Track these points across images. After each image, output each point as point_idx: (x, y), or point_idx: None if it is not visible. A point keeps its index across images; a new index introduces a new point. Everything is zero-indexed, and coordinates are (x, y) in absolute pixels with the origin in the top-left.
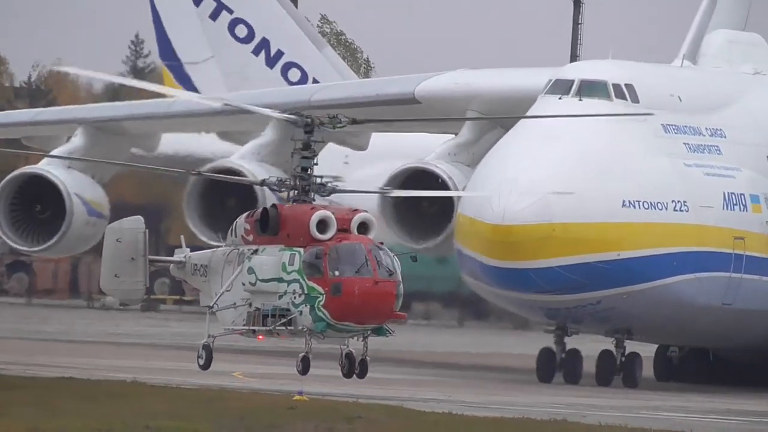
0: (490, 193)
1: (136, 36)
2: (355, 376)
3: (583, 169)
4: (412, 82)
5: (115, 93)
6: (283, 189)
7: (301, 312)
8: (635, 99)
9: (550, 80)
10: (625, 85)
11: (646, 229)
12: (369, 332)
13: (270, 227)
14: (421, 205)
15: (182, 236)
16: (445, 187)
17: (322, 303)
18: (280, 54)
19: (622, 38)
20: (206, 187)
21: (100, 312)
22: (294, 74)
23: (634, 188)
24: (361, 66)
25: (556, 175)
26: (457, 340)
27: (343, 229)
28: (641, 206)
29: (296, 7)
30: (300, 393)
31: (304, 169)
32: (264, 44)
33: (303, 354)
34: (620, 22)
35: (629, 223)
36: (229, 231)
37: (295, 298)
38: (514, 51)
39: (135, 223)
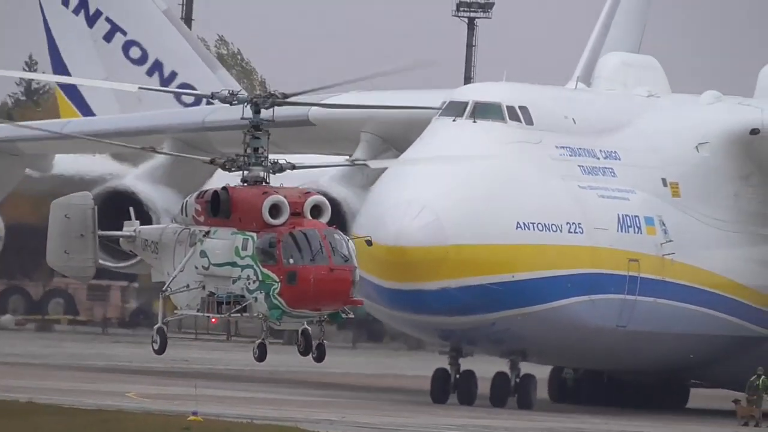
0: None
1: (30, 57)
2: (312, 358)
3: (478, 191)
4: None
5: (8, 114)
6: (233, 168)
7: (256, 299)
8: (529, 121)
9: (444, 102)
10: (519, 107)
11: (540, 251)
12: (325, 317)
13: (221, 210)
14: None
15: (131, 208)
16: (339, 211)
17: (277, 291)
18: (173, 75)
19: (516, 60)
20: (101, 209)
21: None
22: (188, 96)
23: (529, 210)
24: (255, 87)
25: (450, 196)
26: (352, 361)
27: (296, 213)
28: (535, 228)
29: (190, 28)
30: (195, 413)
31: (255, 149)
32: (157, 66)
33: (259, 341)
34: (514, 44)
35: (523, 244)
36: (180, 209)
37: (249, 284)
38: (408, 73)
39: (83, 198)
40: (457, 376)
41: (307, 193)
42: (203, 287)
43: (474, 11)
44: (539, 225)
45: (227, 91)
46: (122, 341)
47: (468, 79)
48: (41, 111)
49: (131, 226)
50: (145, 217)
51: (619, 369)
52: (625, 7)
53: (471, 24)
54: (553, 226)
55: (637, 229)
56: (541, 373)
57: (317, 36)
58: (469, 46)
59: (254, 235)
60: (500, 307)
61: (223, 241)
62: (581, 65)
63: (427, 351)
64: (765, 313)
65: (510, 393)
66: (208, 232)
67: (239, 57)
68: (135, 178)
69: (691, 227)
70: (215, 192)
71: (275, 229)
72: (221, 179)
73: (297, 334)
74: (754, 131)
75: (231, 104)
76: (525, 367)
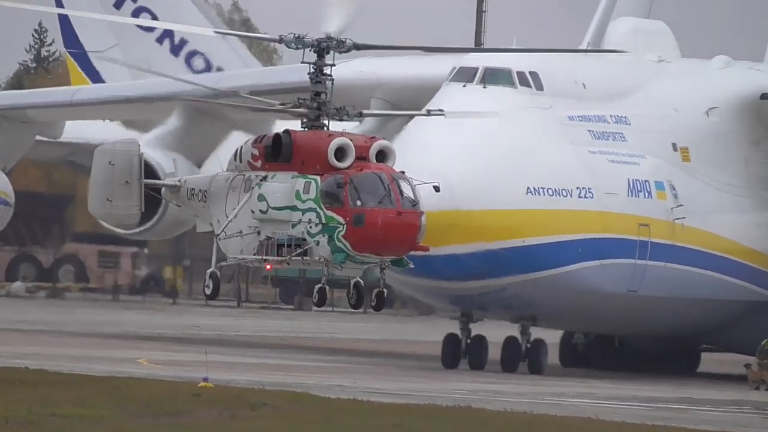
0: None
1: (40, 24)
2: (371, 306)
3: (487, 157)
4: None
5: (18, 81)
6: (300, 45)
7: (317, 242)
8: (540, 86)
9: (454, 68)
10: (530, 72)
11: (550, 216)
12: (387, 263)
13: (283, 153)
14: None
15: (174, 159)
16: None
17: (342, 234)
18: (183, 42)
19: (527, 26)
20: None
21: (5, 299)
22: (198, 62)
23: (538, 175)
24: (270, 54)
25: (459, 162)
26: (362, 326)
27: (361, 157)
28: (545, 193)
29: None
30: (205, 379)
31: (317, 94)
32: (168, 32)
33: (320, 285)
34: (524, 9)
35: (533, 210)
36: (232, 156)
37: (311, 227)
38: (419, 38)
39: (129, 145)
40: (468, 341)
41: (372, 138)
42: (258, 232)
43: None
44: (549, 190)
45: (293, 35)
46: (133, 308)
47: (478, 45)
48: (51, 78)
49: (175, 177)
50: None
51: (630, 334)
52: None
53: None
54: (563, 191)
55: (647, 194)
56: (552, 338)
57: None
58: (480, 11)
59: (317, 177)
60: (510, 272)
61: (283, 185)
62: (591, 31)
63: (437, 316)
64: None
65: (521, 358)
66: (265, 177)
67: (250, 23)
68: (145, 145)
69: (702, 192)
70: (277, 135)
71: (341, 171)
72: (233, 145)
73: (349, 286)
74: (765, 96)
75: (297, 48)
76: (536, 332)
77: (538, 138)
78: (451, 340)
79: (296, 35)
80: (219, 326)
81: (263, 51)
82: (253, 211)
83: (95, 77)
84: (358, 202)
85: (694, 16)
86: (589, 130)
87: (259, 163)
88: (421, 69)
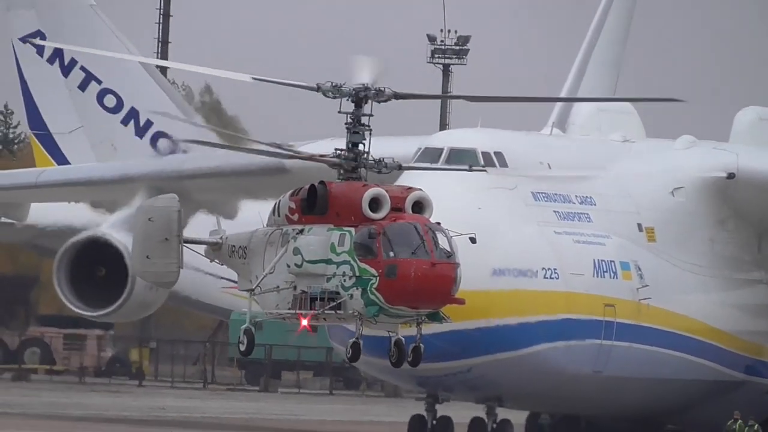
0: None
1: (5, 106)
2: (407, 363)
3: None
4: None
5: None
6: (337, 94)
7: (351, 295)
8: (504, 165)
9: (419, 149)
10: (495, 152)
11: (515, 297)
12: (423, 317)
13: (318, 206)
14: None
15: (218, 217)
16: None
17: (375, 286)
18: (149, 124)
19: (492, 107)
20: (76, 258)
21: None
22: (163, 143)
23: (504, 256)
24: (224, 124)
25: None
26: (329, 408)
27: (397, 208)
28: (511, 274)
29: (165, 76)
30: None
31: (355, 145)
32: (133, 114)
33: (353, 340)
34: (489, 90)
35: (499, 290)
36: (272, 210)
37: (345, 280)
38: (384, 120)
39: (168, 201)
40: (434, 422)
41: (409, 189)
42: (294, 287)
43: (449, 57)
44: (515, 270)
45: (330, 84)
46: (99, 390)
47: (444, 126)
48: (15, 160)
49: (217, 234)
50: (119, 266)
51: (595, 414)
52: (600, 52)
53: (446, 70)
54: (529, 272)
55: (613, 274)
56: (518, 418)
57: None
58: (444, 92)
59: (352, 229)
60: (476, 353)
61: (318, 238)
62: (556, 111)
63: (404, 398)
64: (741, 358)
65: None
66: (302, 230)
67: (221, 107)
68: (110, 226)
69: (667, 272)
70: (312, 186)
71: (375, 222)
72: (198, 225)
73: (390, 343)
74: (730, 176)
75: (334, 97)
76: (502, 413)
77: (504, 218)
78: (417, 422)
79: (333, 83)
80: (185, 408)
81: (232, 136)
82: (288, 266)
83: (60, 158)
84: (391, 254)
85: (659, 96)
86: (555, 210)
87: (296, 217)
88: (386, 149)
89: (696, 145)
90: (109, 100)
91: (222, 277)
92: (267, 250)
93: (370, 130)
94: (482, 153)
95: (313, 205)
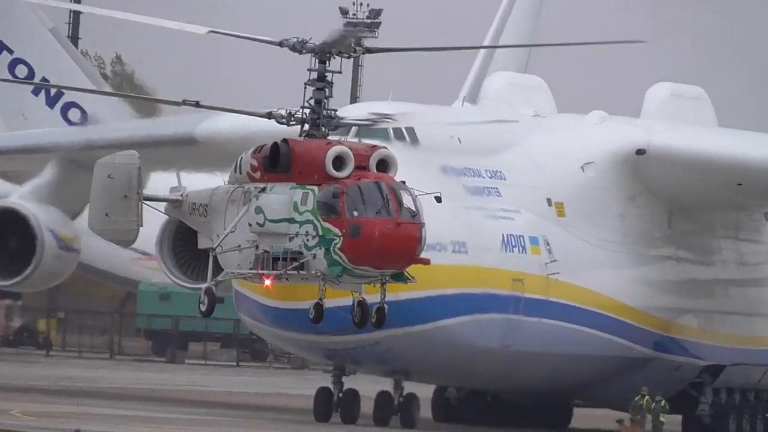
0: None
1: None
2: (371, 323)
3: None
4: (192, 122)
5: None
6: (292, 122)
7: (314, 255)
8: (415, 140)
9: None
10: (405, 127)
11: (424, 271)
12: (388, 278)
13: (280, 164)
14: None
15: (178, 173)
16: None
17: (338, 246)
18: (60, 94)
19: (403, 80)
20: None
21: None
22: (74, 114)
23: None
24: (152, 109)
25: None
26: (235, 379)
27: (361, 167)
28: None
29: (76, 47)
30: (77, 431)
31: (318, 102)
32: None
33: (316, 301)
34: (400, 64)
35: None
36: (233, 168)
37: (308, 240)
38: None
39: (128, 158)
40: (340, 395)
41: (374, 146)
42: (256, 246)
43: (360, 31)
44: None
45: (296, 39)
46: (6, 359)
47: (354, 99)
48: None
49: (177, 191)
50: (29, 236)
51: (503, 389)
52: (512, 27)
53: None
54: (438, 246)
55: (521, 249)
56: (425, 392)
57: (209, 54)
58: (356, 66)
59: (315, 188)
60: (384, 326)
61: (280, 196)
62: (467, 85)
63: (311, 370)
64: (650, 334)
65: (393, 412)
66: (264, 189)
67: (134, 77)
68: (20, 197)
69: (577, 247)
70: (275, 144)
71: (338, 181)
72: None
73: (353, 303)
74: (640, 151)
75: (300, 53)
76: (408, 386)
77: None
78: (323, 394)
79: (298, 39)
80: (92, 378)
81: (145, 107)
82: (250, 225)
83: None
84: (355, 213)
85: (571, 71)
86: (465, 185)
87: (258, 175)
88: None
89: (607, 121)
90: (21, 70)
91: (132, 248)
92: (228, 208)
93: (332, 85)
94: (393, 129)
95: (276, 163)
